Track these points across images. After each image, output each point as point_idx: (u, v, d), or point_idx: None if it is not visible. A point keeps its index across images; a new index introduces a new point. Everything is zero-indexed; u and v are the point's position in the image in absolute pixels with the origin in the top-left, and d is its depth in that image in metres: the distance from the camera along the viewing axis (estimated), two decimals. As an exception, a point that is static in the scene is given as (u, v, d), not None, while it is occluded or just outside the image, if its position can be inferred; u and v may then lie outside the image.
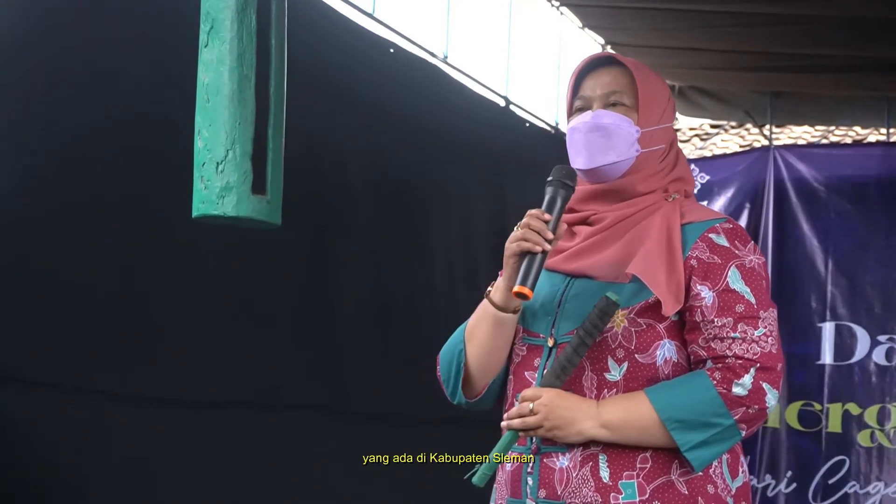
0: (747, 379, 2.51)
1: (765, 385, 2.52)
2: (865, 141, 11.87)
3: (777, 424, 8.14)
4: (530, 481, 2.69)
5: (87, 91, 4.86)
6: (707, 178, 8.48)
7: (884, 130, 9.78)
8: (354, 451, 6.45)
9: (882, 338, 8.08)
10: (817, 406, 8.13)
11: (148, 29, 5.12)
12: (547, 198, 2.71)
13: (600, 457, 2.60)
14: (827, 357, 8.15)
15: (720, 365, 2.55)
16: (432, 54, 7.41)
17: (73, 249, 4.82)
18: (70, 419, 4.84)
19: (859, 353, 8.10)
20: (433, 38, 7.51)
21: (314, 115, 5.89)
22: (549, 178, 2.74)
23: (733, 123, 11.41)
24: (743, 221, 8.37)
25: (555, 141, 8.63)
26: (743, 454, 2.68)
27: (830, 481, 8.02)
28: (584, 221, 2.79)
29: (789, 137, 12.28)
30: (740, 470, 2.65)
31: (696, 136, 12.87)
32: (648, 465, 2.58)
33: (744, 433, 2.55)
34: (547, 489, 2.65)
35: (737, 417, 2.51)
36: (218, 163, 2.97)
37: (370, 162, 6.63)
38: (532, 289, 2.63)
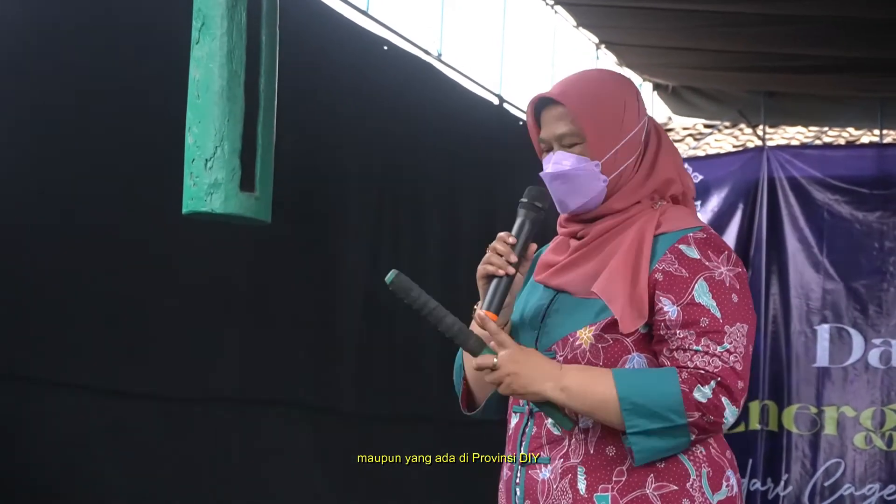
0: (706, 390, 2.47)
1: (724, 400, 2.49)
2: (859, 142, 11.86)
3: (775, 428, 8.13)
4: (518, 491, 2.69)
5: (79, 88, 4.84)
6: (700, 177, 8.47)
7: (877, 132, 9.78)
8: (342, 449, 6.44)
9: (877, 340, 8.07)
10: (813, 409, 8.12)
11: (141, 26, 5.10)
12: (517, 221, 2.74)
13: (579, 469, 2.59)
14: (822, 360, 8.14)
15: (686, 370, 2.51)
16: (426, 52, 7.39)
17: (63, 247, 4.81)
18: (55, 414, 4.83)
19: (854, 355, 8.09)
20: (427, 35, 7.50)
21: (307, 112, 5.87)
22: (521, 200, 2.75)
23: (727, 123, 11.40)
24: (736, 222, 8.37)
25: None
26: (733, 468, 2.63)
27: (826, 483, 8.02)
28: (574, 235, 2.78)
29: (783, 138, 12.29)
30: (725, 484, 2.60)
31: (690, 135, 12.86)
32: (623, 479, 2.56)
33: (692, 438, 2.50)
34: (531, 500, 2.65)
35: (690, 420, 2.48)
36: (207, 159, 2.96)
37: (363, 159, 6.61)
38: (497, 312, 2.67)
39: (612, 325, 2.59)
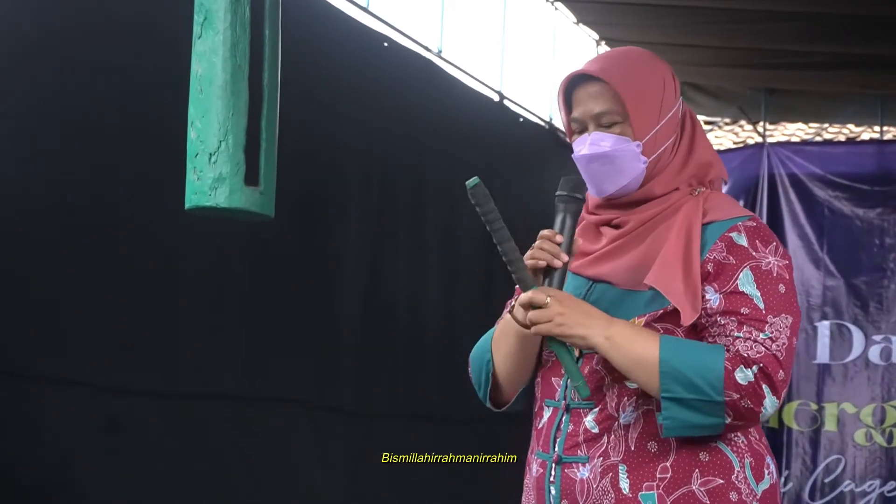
0: (749, 373, 2.40)
1: (765, 388, 2.41)
2: (859, 139, 11.86)
3: (775, 424, 8.12)
4: (553, 490, 2.60)
5: (79, 83, 4.84)
6: (701, 174, 8.45)
7: (877, 128, 9.78)
8: (342, 447, 6.44)
9: (877, 337, 8.07)
10: (813, 405, 8.12)
11: (142, 20, 5.10)
12: (558, 217, 2.59)
13: (620, 467, 2.51)
14: (823, 356, 8.14)
15: (730, 352, 2.43)
16: (427, 48, 7.39)
17: (62, 243, 4.81)
18: (54, 411, 4.83)
19: (854, 352, 8.09)
20: (428, 32, 7.49)
21: (308, 107, 5.87)
22: (558, 193, 2.61)
23: (727, 120, 11.40)
24: (736, 218, 8.36)
25: (549, 136, 8.61)
26: (771, 454, 2.59)
27: (827, 480, 8.02)
28: (609, 223, 2.67)
29: (783, 134, 12.27)
30: (766, 472, 2.55)
31: (690, 132, 12.83)
32: (668, 476, 2.49)
33: (727, 422, 2.42)
34: (569, 500, 2.57)
35: (728, 400, 2.40)
36: (210, 154, 2.94)
37: (364, 155, 6.61)
38: None
39: (664, 317, 2.53)
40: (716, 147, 11.94)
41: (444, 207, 7.36)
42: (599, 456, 2.54)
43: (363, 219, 6.64)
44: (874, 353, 8.06)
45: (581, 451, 2.56)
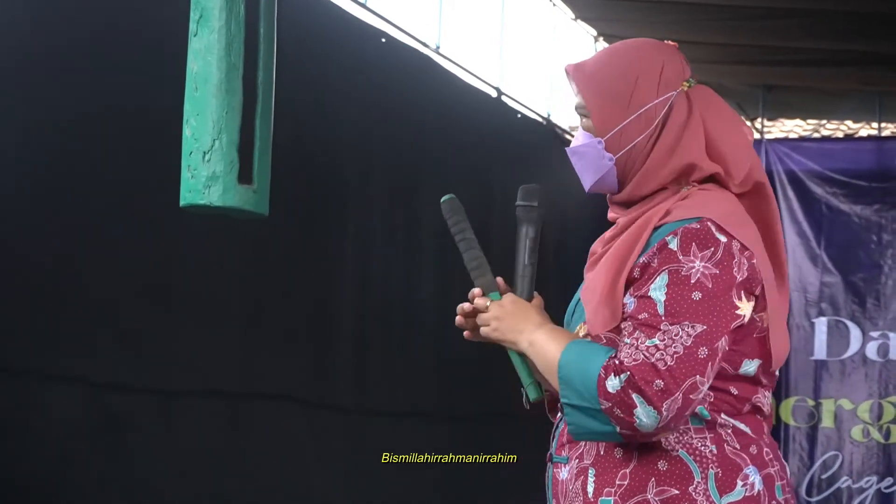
0: (616, 382, 2.33)
1: (635, 397, 2.32)
2: (857, 135, 11.86)
3: (772, 420, 8.15)
4: (548, 488, 2.63)
5: (75, 81, 4.83)
6: (699, 170, 8.46)
7: (875, 125, 9.78)
8: (339, 443, 6.45)
9: (874, 333, 8.08)
10: (810, 402, 8.13)
11: (139, 18, 5.09)
12: (519, 229, 2.65)
13: (590, 471, 2.49)
14: (820, 353, 8.15)
15: (613, 358, 2.37)
16: (424, 44, 7.38)
17: (59, 241, 4.80)
18: (52, 408, 4.83)
19: (852, 348, 8.10)
20: (426, 27, 7.49)
21: (305, 104, 5.86)
22: (515, 204, 2.67)
23: (725, 116, 11.38)
24: (734, 215, 8.36)
25: (546, 132, 8.61)
26: (761, 464, 2.46)
27: (824, 476, 8.03)
28: (614, 222, 2.63)
29: (781, 131, 12.27)
30: (740, 483, 2.44)
31: (688, 128, 12.83)
32: (626, 483, 2.45)
33: (617, 430, 2.35)
34: (556, 499, 2.58)
35: (604, 408, 2.33)
36: (205, 152, 2.95)
37: (361, 152, 6.61)
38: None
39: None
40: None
41: (438, 203, 7.35)
42: (576, 458, 2.53)
43: (360, 216, 6.63)
44: (871, 350, 8.07)
45: (565, 451, 2.57)
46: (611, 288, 2.45)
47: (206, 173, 2.95)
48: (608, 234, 2.60)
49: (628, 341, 2.37)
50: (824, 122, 11.66)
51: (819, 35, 7.74)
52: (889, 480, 7.94)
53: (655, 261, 2.41)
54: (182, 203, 3.02)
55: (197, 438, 5.50)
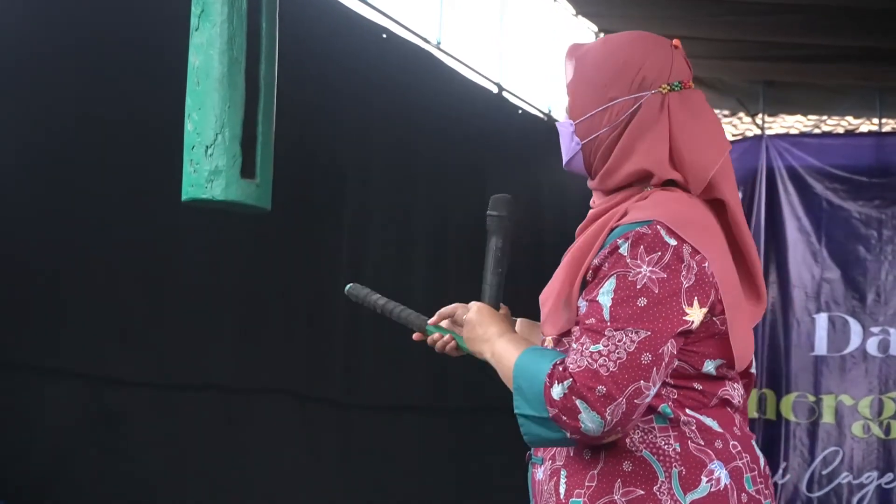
0: (560, 389, 2.35)
1: (578, 403, 2.33)
2: (857, 131, 11.86)
3: (773, 416, 8.14)
4: (529, 490, 2.67)
5: (77, 76, 4.84)
6: (699, 166, 8.46)
7: (876, 120, 9.78)
8: (333, 438, 6.45)
9: (875, 329, 8.08)
10: (811, 397, 8.13)
11: (140, 12, 5.09)
12: (489, 240, 2.75)
13: (562, 472, 2.53)
14: (820, 348, 8.15)
15: (560, 363, 2.39)
16: (425, 40, 7.38)
17: (60, 236, 4.81)
18: (51, 403, 4.84)
19: (853, 344, 8.10)
20: (427, 23, 7.49)
21: (306, 100, 5.86)
22: (486, 213, 2.77)
23: (726, 112, 11.39)
24: (735, 210, 8.36)
25: (547, 128, 8.60)
26: (726, 458, 2.47)
27: (825, 472, 8.03)
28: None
29: (781, 126, 12.27)
30: (705, 480, 2.45)
31: (689, 124, 12.82)
32: (594, 485, 2.47)
33: (568, 435, 2.37)
34: (535, 499, 2.63)
35: (552, 415, 2.36)
36: (207, 146, 2.95)
37: (360, 149, 6.61)
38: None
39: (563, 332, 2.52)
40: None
41: (440, 200, 7.36)
42: (549, 459, 2.56)
43: (359, 211, 6.64)
44: (872, 345, 8.07)
45: (540, 452, 2.60)
46: (568, 289, 2.47)
47: (208, 168, 2.95)
48: (580, 226, 2.60)
49: (575, 346, 2.39)
50: (825, 117, 11.66)
51: (820, 31, 7.74)
52: (889, 476, 7.94)
53: (606, 264, 2.42)
54: (184, 197, 3.01)
55: (195, 433, 5.51)
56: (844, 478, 7.99)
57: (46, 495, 4.81)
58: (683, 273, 2.40)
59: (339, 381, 6.51)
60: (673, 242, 2.40)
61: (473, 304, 2.67)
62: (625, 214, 2.46)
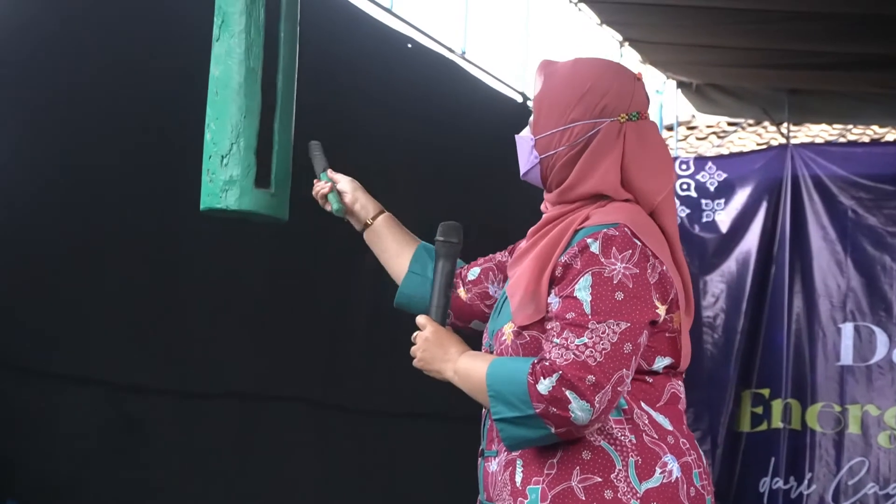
0: (548, 382, 2.47)
1: (568, 393, 2.46)
2: (883, 140, 11.83)
3: (798, 426, 8.11)
4: (480, 482, 2.80)
5: (101, 83, 4.86)
6: (724, 175, 8.45)
7: (902, 129, 9.75)
8: (349, 445, 6.45)
9: (901, 338, 8.04)
10: (837, 407, 8.09)
11: (164, 22, 5.12)
12: (435, 267, 2.87)
13: (517, 462, 2.64)
14: (846, 358, 8.12)
15: (540, 360, 2.52)
16: (450, 50, 7.39)
17: (79, 242, 4.84)
18: (70, 410, 4.86)
19: (878, 353, 8.06)
20: (451, 33, 7.50)
21: (331, 109, 5.87)
22: (435, 239, 2.91)
23: (750, 121, 11.38)
24: (760, 220, 8.35)
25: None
26: (679, 453, 2.61)
27: (850, 482, 7.99)
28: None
29: (806, 135, 12.24)
30: (658, 471, 2.58)
31: (714, 133, 12.83)
32: (553, 472, 2.59)
33: (552, 430, 2.50)
34: (486, 491, 2.76)
35: (538, 411, 2.48)
36: (223, 156, 2.98)
37: (385, 158, 6.61)
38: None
39: (531, 324, 2.63)
40: (739, 148, 11.93)
41: (464, 209, 7.36)
42: (504, 451, 2.68)
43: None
44: (898, 355, 8.03)
45: (494, 445, 2.74)
46: (535, 284, 2.61)
47: (223, 177, 2.98)
48: (532, 228, 2.78)
49: (557, 341, 2.52)
50: (850, 126, 11.63)
51: (843, 38, 7.72)
52: (916, 486, 7.90)
53: (578, 262, 2.56)
54: (202, 207, 3.04)
55: (214, 440, 5.53)
56: (871, 488, 7.94)
57: (66, 501, 4.83)
58: (650, 271, 2.58)
59: (357, 389, 6.51)
60: (639, 244, 2.58)
61: (426, 323, 2.77)
62: (587, 218, 2.64)
